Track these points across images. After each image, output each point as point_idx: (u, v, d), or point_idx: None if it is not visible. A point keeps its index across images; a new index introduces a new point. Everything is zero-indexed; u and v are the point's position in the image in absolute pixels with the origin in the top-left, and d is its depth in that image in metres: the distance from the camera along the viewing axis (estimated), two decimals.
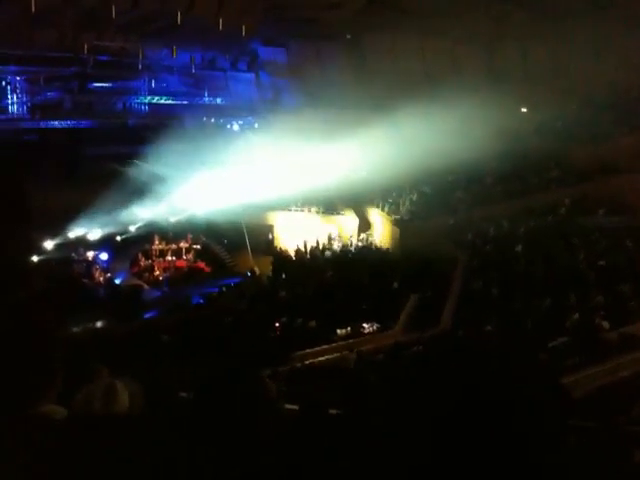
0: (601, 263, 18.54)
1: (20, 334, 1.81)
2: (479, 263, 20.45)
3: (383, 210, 25.29)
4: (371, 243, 25.29)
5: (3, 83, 23.28)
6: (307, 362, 15.32)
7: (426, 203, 24.91)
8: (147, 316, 21.45)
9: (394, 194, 25.48)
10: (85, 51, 24.56)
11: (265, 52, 27.43)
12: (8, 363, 1.79)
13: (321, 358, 15.78)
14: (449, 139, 23.57)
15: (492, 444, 1.00)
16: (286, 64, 27.64)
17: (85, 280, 23.55)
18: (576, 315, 15.01)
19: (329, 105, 26.99)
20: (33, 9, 23.02)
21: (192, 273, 26.03)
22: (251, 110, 26.78)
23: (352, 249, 24.82)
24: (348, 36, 27.61)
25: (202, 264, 26.49)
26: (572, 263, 18.95)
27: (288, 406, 4.09)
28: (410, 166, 22.60)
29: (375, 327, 18.48)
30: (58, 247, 24.70)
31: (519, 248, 20.69)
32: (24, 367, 1.80)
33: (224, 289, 23.57)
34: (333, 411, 3.94)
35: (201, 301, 22.35)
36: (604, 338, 13.58)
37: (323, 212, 26.20)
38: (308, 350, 16.57)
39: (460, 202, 24.58)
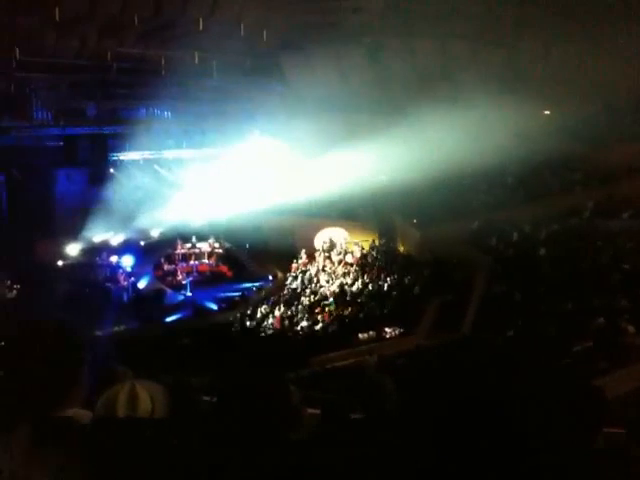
0: (626, 266, 18.28)
1: (45, 340, 1.84)
2: (501, 267, 20.29)
3: (403, 214, 25.19)
4: (392, 248, 25.20)
5: (27, 90, 23.60)
6: (328, 366, 15.31)
7: (447, 207, 24.76)
8: (169, 319, 21.63)
9: (414, 198, 25.34)
10: (108, 58, 24.84)
11: (286, 57, 27.49)
12: (34, 367, 1.82)
13: (342, 362, 15.76)
14: (469, 141, 23.42)
15: (515, 449, 0.99)
16: (306, 69, 27.68)
17: (109, 284, 23.79)
18: (601, 319, 14.82)
19: (349, 109, 26.96)
20: (57, 17, 23.36)
21: (214, 277, 26.19)
22: (272, 115, 26.86)
23: (373, 254, 24.76)
24: (368, 40, 27.55)
25: (224, 268, 26.64)
26: (596, 266, 18.71)
27: (309, 410, 4.10)
28: (430, 169, 22.50)
29: (397, 331, 18.44)
30: (82, 251, 25.00)
31: (542, 252, 20.48)
32: (50, 371, 1.83)
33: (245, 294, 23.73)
34: (355, 415, 3.94)
35: (215, 307, 22.47)
36: (629, 342, 13.39)
37: (342, 217, 26.15)
38: (329, 354, 16.57)
39: (482, 205, 24.40)
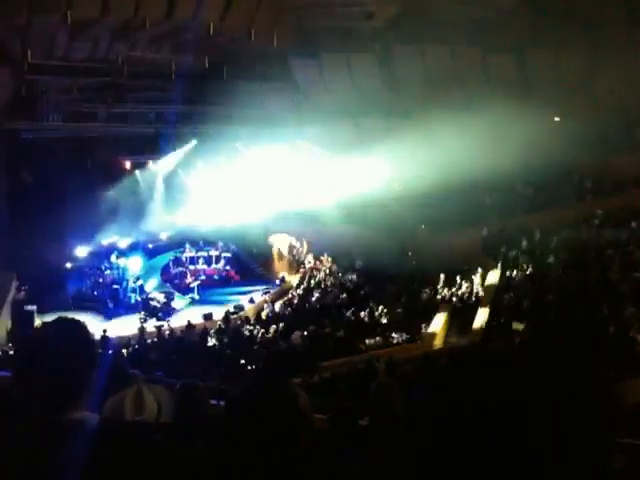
0: (636, 275, 18.17)
1: (55, 344, 1.83)
2: (511, 274, 20.22)
3: (414, 220, 25.14)
4: (402, 253, 25.13)
5: (38, 93, 23.73)
6: (336, 372, 15.26)
7: (457, 213, 24.69)
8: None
9: (425, 204, 25.28)
10: (119, 62, 24.96)
11: (296, 63, 27.52)
12: (42, 370, 1.81)
13: (350, 368, 15.70)
14: (480, 148, 23.35)
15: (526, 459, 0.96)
16: (317, 75, 27.71)
17: (116, 286, 23.85)
18: (611, 328, 14.72)
19: (360, 115, 26.97)
20: (69, 20, 23.50)
21: (222, 280, 26.24)
22: (283, 120, 26.90)
23: (384, 259, 24.69)
24: (378, 47, 27.57)
25: (232, 272, 26.68)
26: (606, 275, 18.60)
27: (317, 416, 4.07)
28: (441, 175, 22.45)
29: (404, 337, 18.39)
30: (91, 253, 25.10)
31: (552, 259, 20.39)
32: (58, 374, 1.81)
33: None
34: (362, 421, 3.91)
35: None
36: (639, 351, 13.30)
37: (351, 223, 26.13)
38: (337, 360, 16.52)
39: (491, 212, 24.31)
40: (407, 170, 23.93)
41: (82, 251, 24.84)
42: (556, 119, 27.33)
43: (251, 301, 23.40)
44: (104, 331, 17.50)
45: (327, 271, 24.59)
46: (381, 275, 22.81)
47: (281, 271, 26.54)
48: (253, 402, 1.78)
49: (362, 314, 19.87)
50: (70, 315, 2.06)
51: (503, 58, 27.67)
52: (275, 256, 27.66)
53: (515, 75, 28.01)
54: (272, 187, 26.79)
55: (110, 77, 24.66)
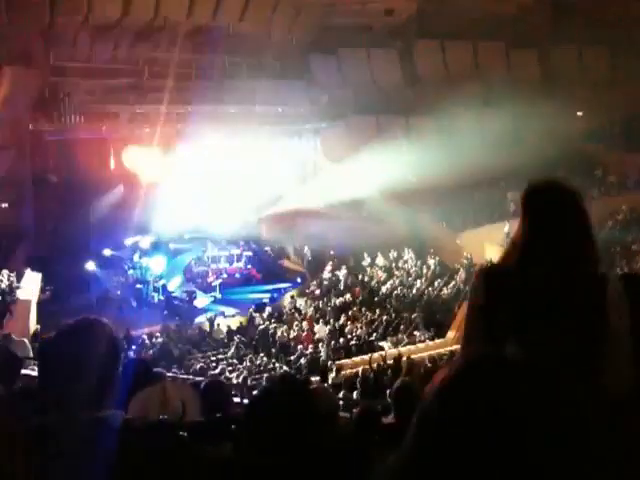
0: None
1: (80, 343, 1.84)
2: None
3: (434, 217, 25.03)
4: (423, 250, 25.03)
5: (61, 95, 23.97)
6: (356, 370, 15.26)
7: (478, 209, 24.54)
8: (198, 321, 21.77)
9: (445, 200, 25.14)
10: (140, 63, 25.15)
11: (316, 60, 27.51)
12: (68, 370, 1.83)
13: (370, 366, 15.68)
14: (501, 144, 23.16)
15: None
16: (337, 71, 27.67)
17: (139, 286, 24.04)
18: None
19: (379, 112, 26.88)
20: (91, 22, 23.74)
21: (244, 279, 26.32)
22: (302, 118, 26.89)
23: (405, 257, 24.61)
24: (399, 43, 27.44)
25: (253, 270, 26.75)
26: (631, 270, 18.37)
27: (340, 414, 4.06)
28: (461, 171, 22.32)
29: (427, 335, 18.32)
30: (113, 254, 25.30)
31: None
32: (83, 373, 1.83)
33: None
34: (387, 420, 3.90)
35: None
36: None
37: (371, 219, 26.06)
38: (357, 358, 16.53)
39: (513, 207, 24.10)
40: (425, 165, 23.81)
41: (106, 251, 25.06)
42: (579, 114, 27.02)
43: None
44: (128, 330, 17.65)
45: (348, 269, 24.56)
46: (402, 271, 22.73)
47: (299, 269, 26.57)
48: (274, 403, 1.78)
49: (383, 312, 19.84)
50: (94, 314, 2.08)
51: (525, 53, 27.40)
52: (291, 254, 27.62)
53: (537, 70, 27.72)
54: (290, 184, 26.78)
55: (132, 78, 24.87)
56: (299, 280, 25.45)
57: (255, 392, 1.77)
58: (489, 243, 21.99)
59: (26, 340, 11.93)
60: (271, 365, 16.74)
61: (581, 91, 26.30)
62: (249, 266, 26.78)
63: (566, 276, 1.97)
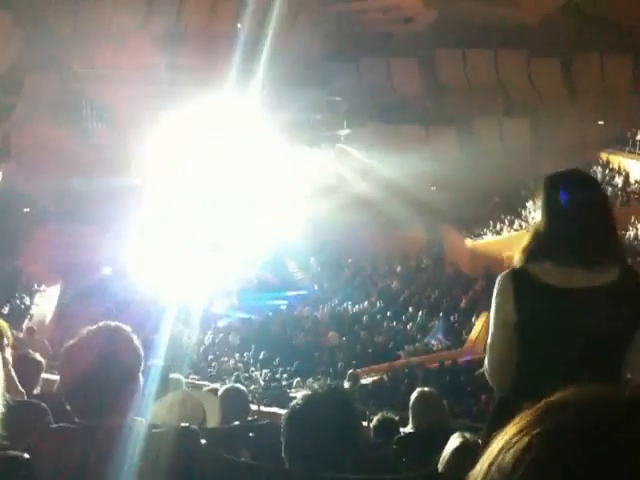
0: None
1: (101, 350, 1.85)
2: None
3: (453, 224, 24.94)
4: (441, 258, 24.93)
5: (83, 102, 24.26)
6: (375, 378, 15.21)
7: (497, 217, 24.39)
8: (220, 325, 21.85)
9: (464, 207, 25.00)
10: (162, 68, 25.38)
11: (336, 68, 27.56)
12: (89, 375, 1.84)
13: (387, 374, 15.61)
14: (522, 153, 23.04)
15: None
16: (357, 80, 27.68)
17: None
18: None
19: (399, 121, 26.84)
20: (113, 29, 24.04)
21: (260, 284, 26.31)
22: (323, 125, 26.95)
23: (422, 265, 24.53)
24: (420, 51, 27.39)
25: (269, 275, 26.75)
26: None
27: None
28: (481, 179, 22.23)
29: (444, 344, 18.22)
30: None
31: None
32: (104, 379, 1.84)
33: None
34: (405, 430, 3.88)
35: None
36: None
37: (390, 225, 25.99)
38: (376, 366, 16.47)
39: (534, 216, 23.95)
40: (446, 174, 23.73)
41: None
42: (600, 123, 26.78)
43: None
44: (147, 335, 17.71)
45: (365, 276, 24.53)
46: (420, 279, 22.65)
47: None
48: (317, 410, 1.76)
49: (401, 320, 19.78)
50: (113, 320, 2.09)
51: (548, 62, 27.14)
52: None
53: (560, 79, 27.46)
54: (308, 190, 26.77)
55: (154, 84, 25.09)
56: (316, 287, 25.42)
57: (297, 400, 1.75)
58: (509, 252, 21.82)
59: (46, 341, 12.05)
60: (288, 372, 16.72)
61: (603, 99, 26.09)
62: (265, 272, 26.79)
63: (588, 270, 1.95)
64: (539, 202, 2.20)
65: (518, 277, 2.05)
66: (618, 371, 1.95)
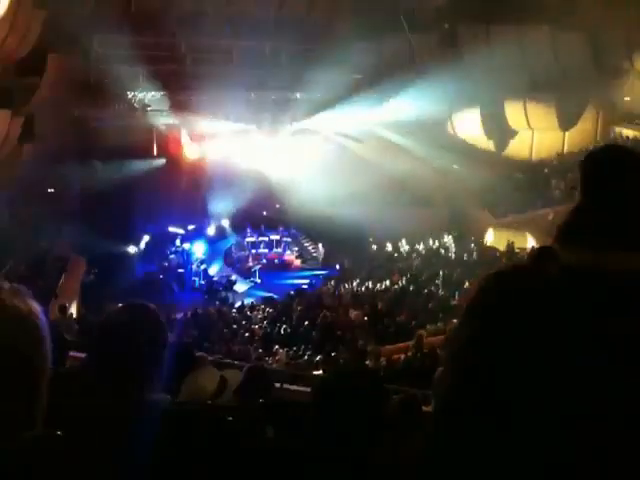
0: None
1: (128, 328, 1.87)
2: None
3: (477, 202, 24.74)
4: (464, 237, 24.77)
5: (105, 81, 24.31)
6: (394, 356, 15.21)
7: (521, 196, 24.12)
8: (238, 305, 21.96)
9: (488, 186, 24.73)
10: (183, 49, 25.34)
11: (358, 46, 27.26)
12: (117, 353, 1.86)
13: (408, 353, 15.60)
14: (550, 132, 22.71)
15: None
16: (379, 57, 27.36)
17: (181, 270, 24.39)
18: None
19: (423, 99, 26.54)
20: (133, 9, 24.01)
21: (283, 265, 26.45)
22: (342, 103, 26.76)
23: (445, 243, 24.39)
24: (446, 26, 26.93)
25: (292, 257, 26.86)
26: None
27: None
28: (506, 157, 21.99)
29: None
30: (156, 239, 25.69)
31: None
32: (132, 357, 1.86)
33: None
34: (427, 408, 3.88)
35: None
36: None
37: (414, 204, 25.85)
38: (396, 345, 16.47)
39: (559, 194, 23.63)
40: (469, 152, 23.51)
41: (148, 236, 25.46)
42: (626, 99, 26.26)
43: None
44: (170, 313, 17.93)
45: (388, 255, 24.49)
46: (442, 258, 22.55)
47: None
48: (348, 385, 1.77)
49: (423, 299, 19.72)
50: (137, 298, 2.11)
51: (574, 38, 26.54)
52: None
53: (587, 56, 26.86)
54: (332, 170, 26.70)
55: (175, 65, 25.08)
56: (337, 267, 25.44)
57: (327, 375, 1.75)
58: (532, 230, 21.64)
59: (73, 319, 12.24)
60: (310, 350, 16.79)
61: (629, 75, 25.57)
62: (288, 252, 26.89)
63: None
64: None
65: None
66: None
